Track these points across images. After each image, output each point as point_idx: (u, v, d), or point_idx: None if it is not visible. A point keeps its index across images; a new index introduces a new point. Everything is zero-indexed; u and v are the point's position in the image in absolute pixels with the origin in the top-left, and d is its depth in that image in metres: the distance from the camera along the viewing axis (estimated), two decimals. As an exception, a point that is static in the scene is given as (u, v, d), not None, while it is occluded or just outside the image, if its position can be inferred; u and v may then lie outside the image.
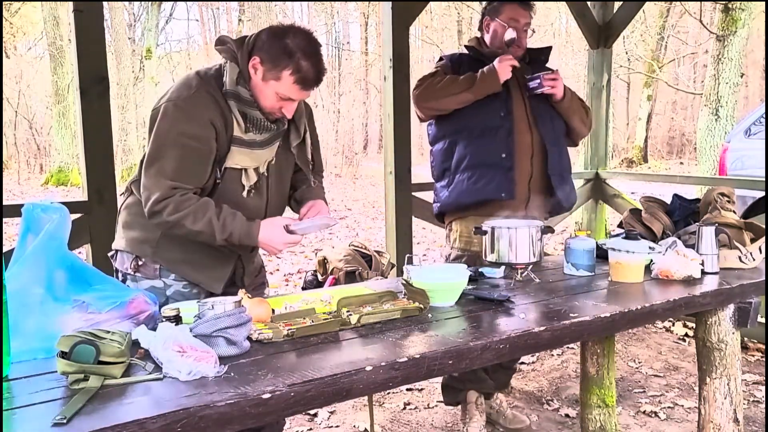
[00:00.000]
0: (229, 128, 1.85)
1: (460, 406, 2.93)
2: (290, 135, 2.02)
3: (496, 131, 2.59)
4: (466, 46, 2.79)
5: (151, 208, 1.80)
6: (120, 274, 2.00)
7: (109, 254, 2.05)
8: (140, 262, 1.95)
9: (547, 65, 2.80)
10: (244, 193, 1.93)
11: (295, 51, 1.78)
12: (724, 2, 6.52)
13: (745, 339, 3.86)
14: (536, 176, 2.64)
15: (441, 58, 2.79)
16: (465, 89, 2.55)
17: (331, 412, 3.16)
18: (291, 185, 2.16)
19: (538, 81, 2.59)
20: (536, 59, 2.79)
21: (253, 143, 1.89)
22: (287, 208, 2.18)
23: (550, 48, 2.86)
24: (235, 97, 1.84)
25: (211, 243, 1.85)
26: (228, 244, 1.87)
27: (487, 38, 2.72)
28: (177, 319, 1.56)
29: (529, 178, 2.62)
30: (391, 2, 3.51)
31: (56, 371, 1.31)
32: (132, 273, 1.96)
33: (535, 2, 2.69)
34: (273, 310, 1.72)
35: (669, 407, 3.21)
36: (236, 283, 2.06)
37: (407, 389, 3.39)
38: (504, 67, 2.54)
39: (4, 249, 2.31)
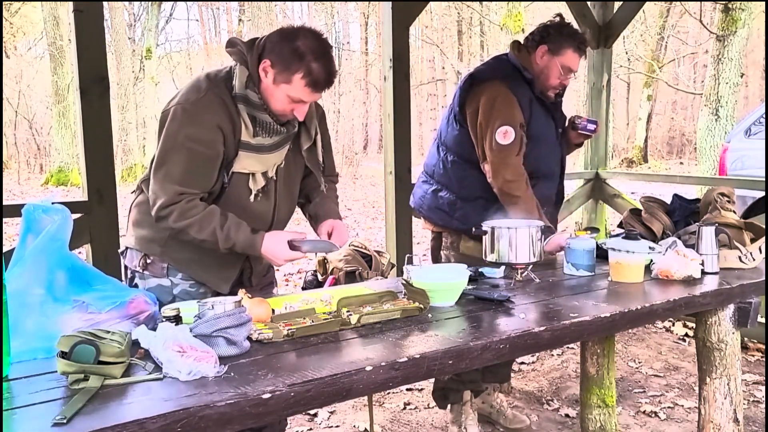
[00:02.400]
0: (237, 132, 1.84)
1: (450, 408, 2.91)
2: (301, 138, 2.01)
3: (551, 179, 2.65)
4: (529, 79, 2.56)
5: (158, 213, 1.81)
6: (129, 272, 2.02)
7: (120, 251, 2.08)
8: (148, 260, 1.96)
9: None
10: (251, 198, 1.92)
11: (305, 53, 1.77)
12: (724, 2, 6.52)
13: (745, 339, 3.86)
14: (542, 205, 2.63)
15: (497, 76, 2.54)
16: (527, 213, 2.42)
17: (331, 412, 3.16)
18: (302, 190, 2.15)
19: (595, 126, 2.70)
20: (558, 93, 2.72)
21: (262, 147, 1.89)
22: (296, 214, 2.18)
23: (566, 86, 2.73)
24: (244, 100, 1.83)
25: (216, 250, 1.86)
26: (230, 252, 1.88)
27: (536, 61, 2.54)
28: (177, 319, 1.56)
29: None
30: (391, 2, 3.51)
31: (56, 371, 1.31)
32: (140, 271, 1.97)
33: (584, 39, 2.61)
34: (273, 310, 1.72)
35: (669, 407, 3.21)
36: (243, 284, 2.06)
37: (407, 389, 3.39)
38: (552, 249, 2.46)
39: (4, 249, 2.31)
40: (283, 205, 2.04)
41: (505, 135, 2.44)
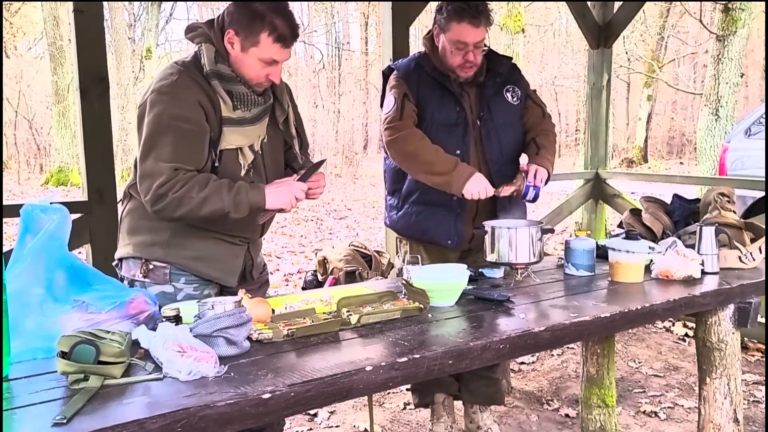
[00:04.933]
0: (217, 110, 1.86)
1: (430, 408, 2.88)
2: (276, 111, 2.04)
3: None
4: (419, 58, 2.54)
5: (156, 192, 1.76)
6: (126, 282, 1.96)
7: (113, 263, 2.03)
8: (150, 267, 1.92)
9: (512, 91, 2.55)
10: (243, 173, 1.93)
11: (265, 12, 1.81)
12: (724, 2, 6.52)
13: (745, 339, 3.86)
14: (481, 213, 2.47)
15: (391, 69, 2.58)
16: (434, 175, 2.35)
17: (331, 412, 3.16)
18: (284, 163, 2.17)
19: (536, 193, 2.37)
20: (494, 70, 2.52)
21: (244, 120, 1.90)
22: (294, 213, 2.17)
23: (510, 59, 2.61)
24: (217, 76, 1.85)
25: (218, 213, 1.80)
26: (236, 208, 1.82)
27: (438, 45, 2.47)
28: (177, 319, 1.56)
29: (474, 216, 2.47)
30: (391, 2, 3.51)
31: (56, 371, 1.31)
32: (141, 279, 1.93)
33: (492, 12, 2.43)
34: (273, 310, 1.72)
35: (669, 407, 3.21)
36: (246, 277, 2.07)
37: (407, 389, 3.38)
38: (471, 193, 2.32)
39: (4, 249, 2.31)
40: (274, 179, 2.04)
41: (387, 104, 2.48)
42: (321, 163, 2.03)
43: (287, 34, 1.84)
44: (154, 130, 1.79)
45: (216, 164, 1.88)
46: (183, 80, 1.82)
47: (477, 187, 2.31)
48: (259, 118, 1.95)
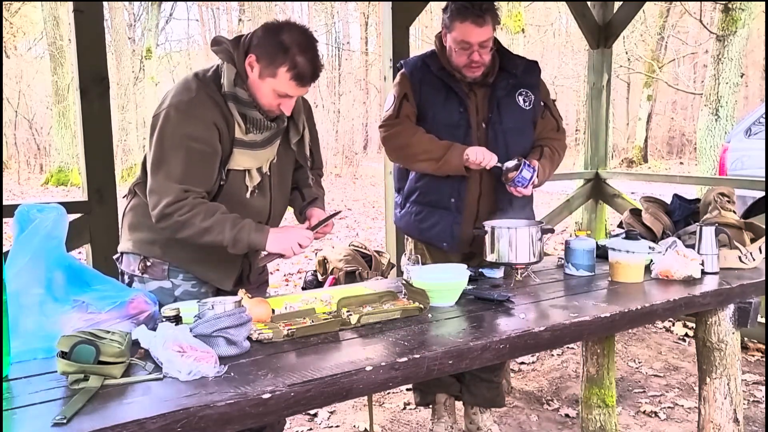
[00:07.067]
0: (231, 130, 1.85)
1: (431, 407, 2.88)
2: (289, 132, 2.02)
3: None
4: (427, 56, 2.52)
5: (162, 211, 1.78)
6: (126, 276, 1.99)
7: (114, 257, 2.05)
8: (148, 263, 1.94)
9: (525, 95, 2.47)
10: (248, 194, 1.92)
11: (290, 47, 1.78)
12: (724, 2, 6.52)
13: (745, 339, 3.86)
14: (483, 216, 2.42)
15: (400, 66, 2.59)
16: (431, 161, 2.36)
17: (331, 412, 3.16)
18: (292, 183, 2.16)
19: (531, 175, 2.30)
20: (507, 70, 2.47)
21: (255, 144, 1.89)
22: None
23: (524, 59, 2.54)
24: (233, 98, 1.83)
25: (218, 244, 1.82)
26: (235, 244, 1.83)
27: (446, 45, 2.44)
28: (177, 319, 1.56)
29: (475, 219, 2.43)
30: (391, 2, 3.51)
31: (56, 371, 1.31)
32: (140, 274, 1.95)
33: (498, 10, 2.37)
34: (273, 310, 1.72)
35: (669, 407, 3.21)
36: (242, 281, 2.07)
37: (407, 389, 3.38)
38: (475, 157, 2.30)
39: (4, 249, 2.31)
40: (278, 200, 2.05)
41: (387, 103, 2.52)
42: (336, 214, 2.04)
43: (306, 74, 1.80)
44: (167, 146, 1.79)
45: (222, 182, 1.87)
46: (200, 97, 1.81)
47: (477, 152, 2.30)
48: (270, 142, 1.94)
